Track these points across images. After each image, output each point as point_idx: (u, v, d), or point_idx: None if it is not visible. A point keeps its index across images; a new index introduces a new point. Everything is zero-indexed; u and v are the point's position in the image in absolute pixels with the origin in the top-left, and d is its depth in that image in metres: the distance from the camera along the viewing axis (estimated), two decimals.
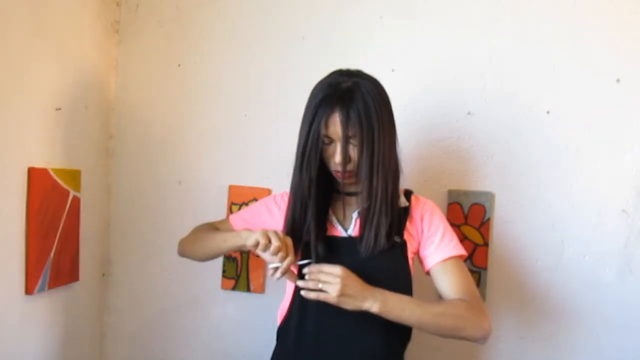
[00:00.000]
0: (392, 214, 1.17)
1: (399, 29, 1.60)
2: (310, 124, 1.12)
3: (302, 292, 1.11)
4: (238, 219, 1.37)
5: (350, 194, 1.22)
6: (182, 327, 1.77)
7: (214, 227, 1.39)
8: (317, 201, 1.18)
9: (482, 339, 1.16)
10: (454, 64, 1.56)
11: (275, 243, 1.08)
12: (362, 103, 1.10)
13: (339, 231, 1.22)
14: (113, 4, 1.77)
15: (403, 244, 1.20)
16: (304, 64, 1.64)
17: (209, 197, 1.73)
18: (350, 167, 1.14)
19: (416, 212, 1.25)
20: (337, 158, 1.13)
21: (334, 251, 1.19)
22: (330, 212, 1.23)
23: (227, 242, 1.20)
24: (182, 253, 1.41)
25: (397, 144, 1.21)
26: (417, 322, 1.11)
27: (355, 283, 1.09)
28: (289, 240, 1.12)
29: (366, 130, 1.10)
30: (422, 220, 1.25)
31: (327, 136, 1.13)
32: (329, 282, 1.07)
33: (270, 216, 1.32)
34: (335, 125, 1.11)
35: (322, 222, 1.21)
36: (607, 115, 1.47)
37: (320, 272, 1.09)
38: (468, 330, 1.14)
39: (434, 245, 1.22)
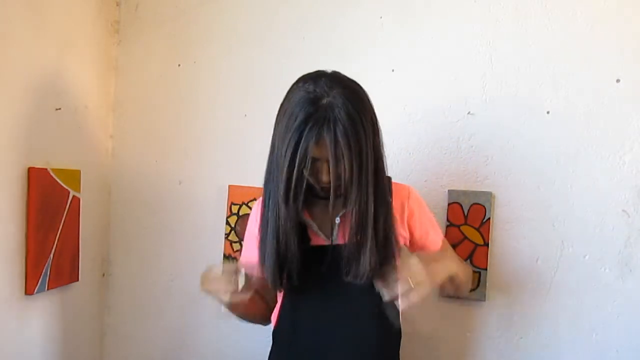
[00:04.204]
0: (384, 245, 1.12)
1: (399, 29, 1.60)
2: (295, 150, 1.02)
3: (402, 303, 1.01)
4: (244, 254, 1.32)
5: (328, 198, 1.12)
6: (182, 327, 1.77)
7: None
8: (300, 223, 1.12)
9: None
10: (454, 64, 1.56)
11: (226, 298, 1.05)
12: (348, 119, 1.01)
13: (322, 239, 1.16)
14: (113, 3, 1.77)
15: None
16: (304, 64, 1.63)
17: (209, 197, 1.73)
18: (337, 183, 1.07)
19: (398, 202, 1.21)
20: (325, 177, 1.06)
21: (322, 261, 1.14)
22: (309, 219, 1.16)
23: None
24: None
25: (382, 144, 1.13)
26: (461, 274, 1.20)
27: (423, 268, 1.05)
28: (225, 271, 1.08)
29: (354, 148, 1.02)
30: (411, 217, 1.23)
31: (313, 157, 1.04)
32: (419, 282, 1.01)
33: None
34: (323, 148, 1.02)
35: (305, 234, 1.15)
36: (607, 115, 1.46)
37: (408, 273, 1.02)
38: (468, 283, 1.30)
39: (430, 237, 1.26)
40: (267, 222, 1.13)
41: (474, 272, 1.53)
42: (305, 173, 1.04)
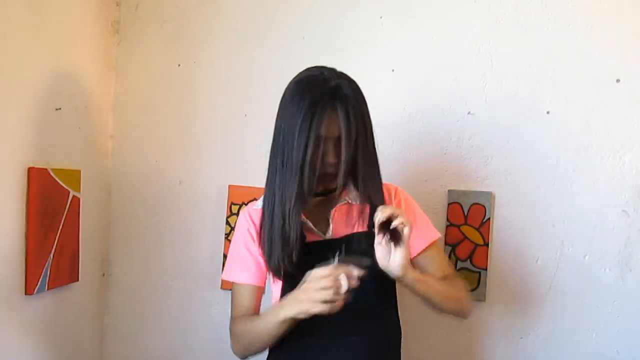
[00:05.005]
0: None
1: (399, 29, 1.60)
2: (309, 126, 1.04)
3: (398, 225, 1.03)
4: (235, 272, 1.24)
5: (321, 194, 1.16)
6: (182, 327, 1.77)
7: (245, 317, 1.22)
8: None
9: (469, 314, 1.25)
10: (454, 64, 1.55)
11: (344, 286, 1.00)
12: (355, 100, 1.07)
13: (318, 236, 1.17)
14: (113, 3, 1.77)
15: None
16: (304, 64, 1.62)
17: (209, 197, 1.73)
18: (339, 166, 1.10)
19: (390, 203, 1.23)
20: (332, 158, 1.08)
21: (319, 257, 1.11)
22: (303, 216, 1.15)
23: (277, 326, 1.07)
24: (246, 354, 1.22)
25: None
26: (433, 290, 1.14)
27: None
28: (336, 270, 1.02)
29: (362, 127, 1.08)
30: (399, 207, 1.23)
31: (323, 135, 1.07)
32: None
33: (253, 243, 1.22)
34: (333, 125, 1.06)
35: (301, 232, 1.14)
36: (607, 115, 1.46)
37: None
38: (465, 301, 1.22)
39: (417, 233, 1.20)
40: (274, 210, 1.12)
41: (474, 272, 1.53)
42: (320, 150, 1.06)
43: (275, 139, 1.13)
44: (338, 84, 1.08)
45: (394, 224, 1.02)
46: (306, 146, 1.05)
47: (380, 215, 1.02)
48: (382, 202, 1.15)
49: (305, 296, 1.01)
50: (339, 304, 1.00)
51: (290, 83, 1.14)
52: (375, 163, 1.14)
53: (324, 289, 0.99)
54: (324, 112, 1.05)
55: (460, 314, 1.25)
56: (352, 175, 1.12)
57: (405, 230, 1.03)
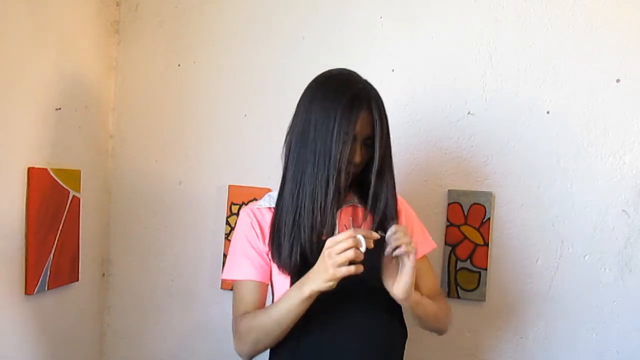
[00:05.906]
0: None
1: (399, 29, 1.60)
2: (348, 124, 1.05)
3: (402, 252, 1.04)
4: (238, 269, 1.20)
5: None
6: (182, 327, 1.78)
7: (251, 312, 1.17)
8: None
9: (446, 331, 1.29)
10: (454, 64, 1.56)
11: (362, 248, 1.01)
12: (381, 101, 1.10)
13: (323, 236, 1.15)
14: (113, 3, 1.78)
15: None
16: (304, 64, 1.64)
17: (209, 197, 1.73)
18: (361, 166, 1.13)
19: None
20: (358, 158, 1.10)
21: None
22: None
23: (300, 305, 1.05)
24: (253, 352, 1.17)
25: None
26: (427, 312, 1.16)
27: None
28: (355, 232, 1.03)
29: (387, 128, 1.11)
30: (399, 218, 1.23)
31: (353, 135, 1.08)
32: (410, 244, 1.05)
33: (257, 239, 1.20)
34: (365, 126, 1.08)
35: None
36: (607, 115, 1.47)
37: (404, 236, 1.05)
38: (447, 319, 1.26)
39: (417, 241, 1.20)
40: (305, 204, 1.10)
41: (474, 272, 1.53)
42: (357, 147, 1.09)
43: (300, 134, 1.11)
44: (366, 86, 1.11)
45: (399, 251, 1.04)
46: (344, 143, 1.06)
47: (393, 244, 1.04)
48: (395, 208, 1.15)
49: (328, 262, 1.00)
50: (360, 267, 1.01)
51: (318, 80, 1.14)
52: (392, 167, 1.15)
53: (345, 250, 0.99)
54: (360, 112, 1.07)
55: (439, 331, 1.28)
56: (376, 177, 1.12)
57: (412, 257, 1.04)
